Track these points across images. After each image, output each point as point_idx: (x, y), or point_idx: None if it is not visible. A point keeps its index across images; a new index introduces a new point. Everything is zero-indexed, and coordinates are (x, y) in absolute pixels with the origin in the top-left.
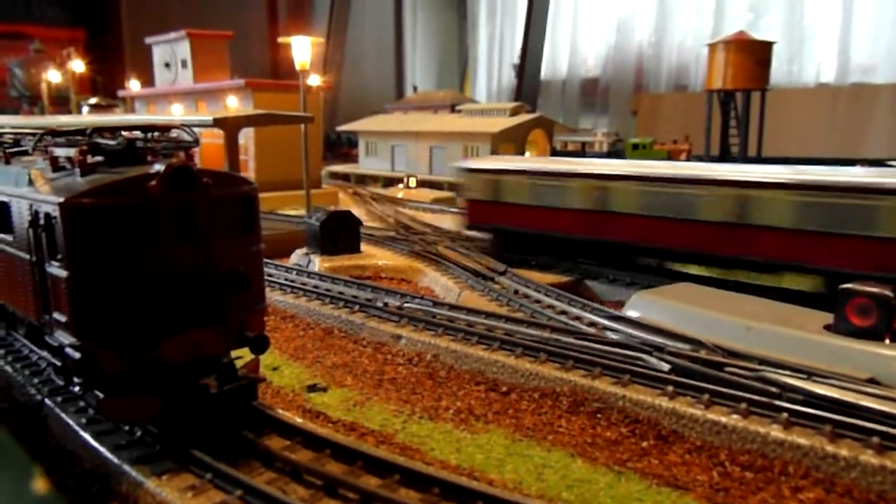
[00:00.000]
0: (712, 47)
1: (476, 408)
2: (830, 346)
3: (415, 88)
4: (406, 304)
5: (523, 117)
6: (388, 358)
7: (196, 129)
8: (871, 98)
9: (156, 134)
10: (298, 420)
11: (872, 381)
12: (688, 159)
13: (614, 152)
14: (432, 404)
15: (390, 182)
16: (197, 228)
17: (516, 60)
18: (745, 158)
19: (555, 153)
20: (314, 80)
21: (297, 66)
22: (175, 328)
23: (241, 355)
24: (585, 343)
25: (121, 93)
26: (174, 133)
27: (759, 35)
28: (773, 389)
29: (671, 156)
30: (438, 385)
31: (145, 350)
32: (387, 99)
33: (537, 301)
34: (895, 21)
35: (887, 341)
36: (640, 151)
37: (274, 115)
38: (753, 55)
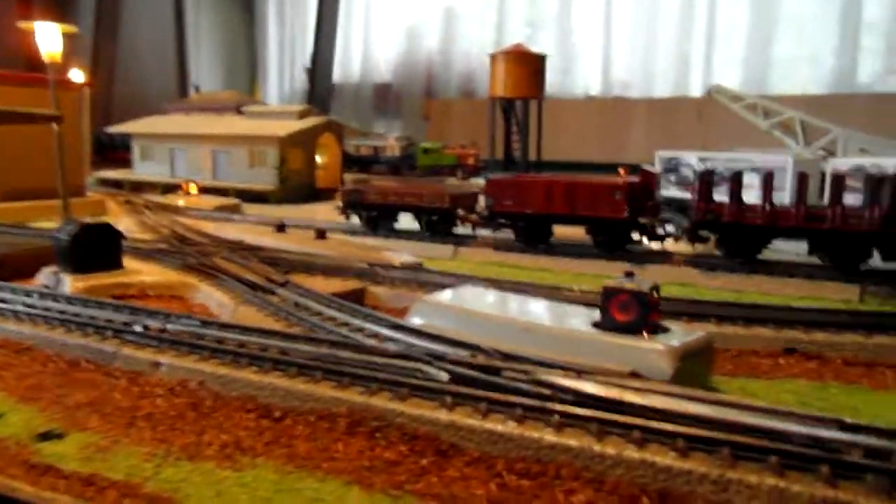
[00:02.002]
0: (493, 57)
1: (244, 439)
2: (598, 343)
3: (197, 89)
4: (169, 326)
5: (312, 120)
6: (145, 390)
7: None
8: (630, 110)
9: None
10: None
11: (634, 375)
12: (475, 163)
13: (407, 156)
14: (193, 441)
15: (170, 189)
16: None
17: (308, 63)
18: (526, 163)
19: (347, 158)
20: (77, 76)
21: (45, 58)
22: None
23: None
24: (364, 357)
25: None
26: None
27: (537, 48)
28: (546, 392)
29: (460, 160)
30: (203, 417)
31: None
32: (168, 99)
33: (318, 313)
34: (646, 44)
35: (645, 335)
36: (430, 156)
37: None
38: (530, 66)
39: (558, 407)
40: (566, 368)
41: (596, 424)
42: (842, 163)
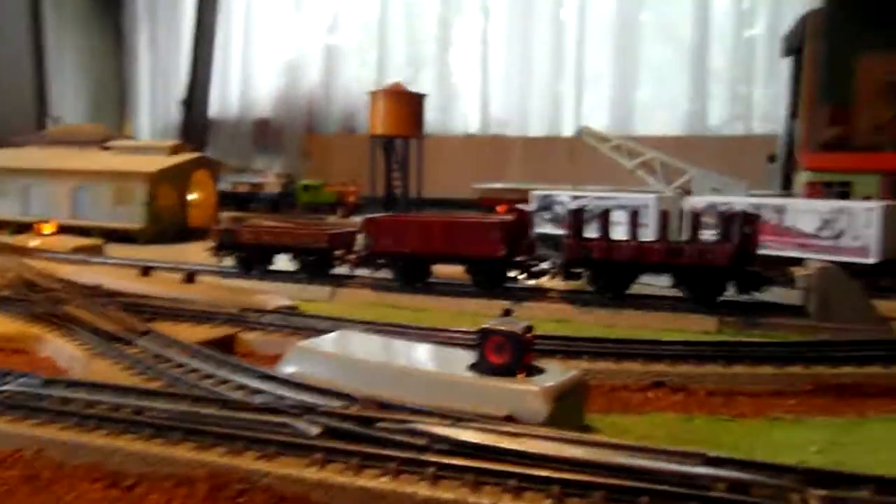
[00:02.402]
0: (373, 95)
1: None
2: (475, 386)
3: (56, 120)
4: (4, 388)
5: (185, 156)
6: None
7: None
8: (507, 148)
9: None
10: None
11: (510, 419)
12: (356, 201)
13: (287, 193)
14: None
15: (23, 229)
16: None
17: (183, 96)
18: (406, 200)
19: (224, 195)
20: None
21: None
22: None
23: None
24: (228, 413)
25: None
26: None
27: (418, 87)
28: (422, 442)
29: (341, 197)
30: (39, 492)
31: None
32: (23, 131)
33: (180, 365)
34: (521, 84)
35: (520, 376)
36: (310, 193)
37: None
38: (409, 105)
39: (434, 458)
40: (443, 415)
41: (472, 474)
42: (697, 201)
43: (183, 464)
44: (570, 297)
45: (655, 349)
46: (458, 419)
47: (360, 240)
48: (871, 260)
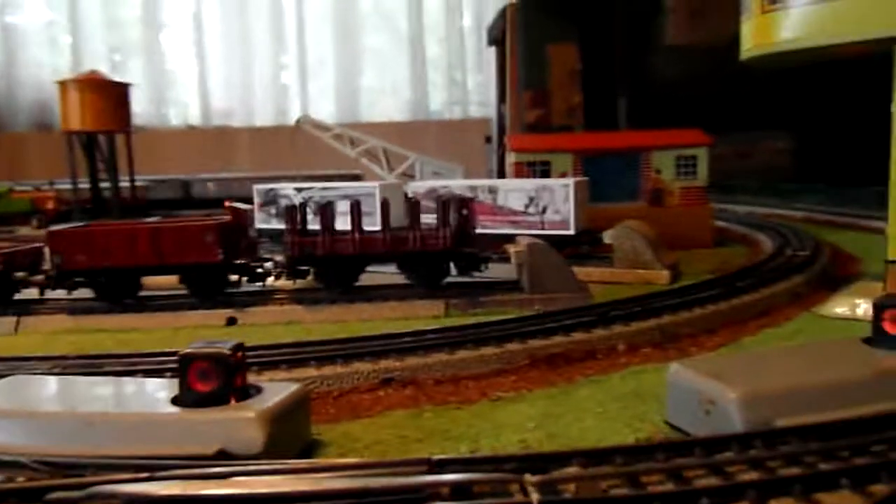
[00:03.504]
0: (63, 86)
1: None
2: (179, 423)
3: None
4: None
5: None
6: None
7: None
8: (233, 140)
9: None
10: None
11: (222, 455)
12: (56, 207)
13: None
14: None
15: None
16: None
17: None
18: (120, 203)
19: None
20: None
21: None
22: None
23: None
24: None
25: None
26: None
27: (127, 77)
28: None
29: (36, 204)
30: None
31: None
32: None
33: None
34: (243, 73)
35: (232, 402)
36: None
37: None
38: (111, 96)
39: None
40: (139, 467)
41: None
42: (418, 186)
43: None
44: (298, 297)
45: (382, 345)
46: (157, 468)
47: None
48: (570, 231)
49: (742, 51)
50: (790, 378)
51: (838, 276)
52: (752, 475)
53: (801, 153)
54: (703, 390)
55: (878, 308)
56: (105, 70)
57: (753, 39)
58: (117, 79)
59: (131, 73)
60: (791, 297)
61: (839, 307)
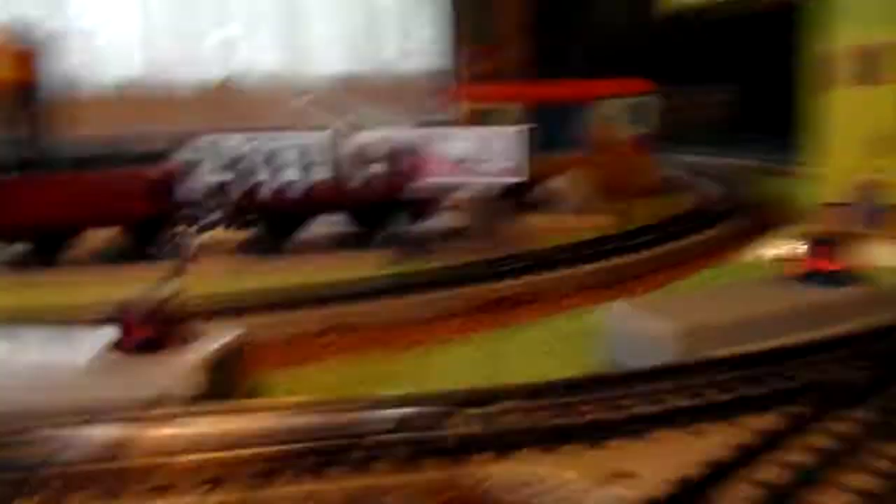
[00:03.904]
0: None
1: None
2: (118, 369)
3: None
4: None
5: None
6: None
7: None
8: (174, 96)
9: None
10: None
11: (160, 401)
12: None
13: None
14: None
15: None
16: None
17: None
18: (50, 159)
19: None
20: None
21: None
22: None
23: None
24: None
25: None
26: None
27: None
28: (44, 453)
29: None
30: None
31: None
32: None
33: None
34: (185, 26)
35: (172, 348)
36: None
37: None
38: (23, 50)
39: (61, 469)
40: (77, 412)
41: (111, 478)
42: (366, 136)
43: None
44: (244, 248)
45: (328, 292)
46: (97, 413)
47: None
48: (519, 179)
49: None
50: (725, 313)
51: (777, 220)
52: (684, 402)
53: (746, 104)
54: (643, 326)
55: (808, 246)
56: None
57: None
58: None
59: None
60: (731, 240)
61: (775, 248)
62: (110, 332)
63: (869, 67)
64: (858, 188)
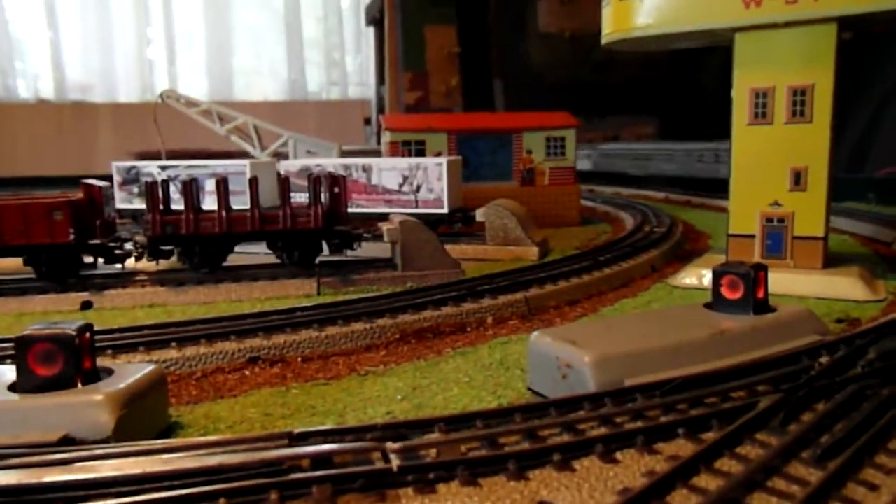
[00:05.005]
0: None
1: None
2: (18, 410)
3: None
4: None
5: None
6: None
7: None
8: (93, 116)
9: None
10: None
11: (67, 440)
12: None
13: None
14: None
15: None
16: None
17: None
18: None
19: None
20: None
21: None
22: None
23: None
24: None
25: None
26: None
27: None
28: None
29: None
30: None
31: None
32: None
33: None
34: (103, 45)
35: (79, 385)
36: None
37: None
38: None
39: None
40: None
41: None
42: (289, 164)
43: None
44: (161, 279)
45: (249, 323)
46: None
47: None
48: (444, 210)
49: (602, 35)
50: (639, 341)
51: (690, 250)
52: (600, 430)
53: (665, 137)
54: (561, 356)
55: (717, 275)
56: None
57: (612, 25)
58: None
59: None
60: (647, 270)
61: (688, 277)
62: (10, 371)
63: (762, 107)
64: (761, 220)
